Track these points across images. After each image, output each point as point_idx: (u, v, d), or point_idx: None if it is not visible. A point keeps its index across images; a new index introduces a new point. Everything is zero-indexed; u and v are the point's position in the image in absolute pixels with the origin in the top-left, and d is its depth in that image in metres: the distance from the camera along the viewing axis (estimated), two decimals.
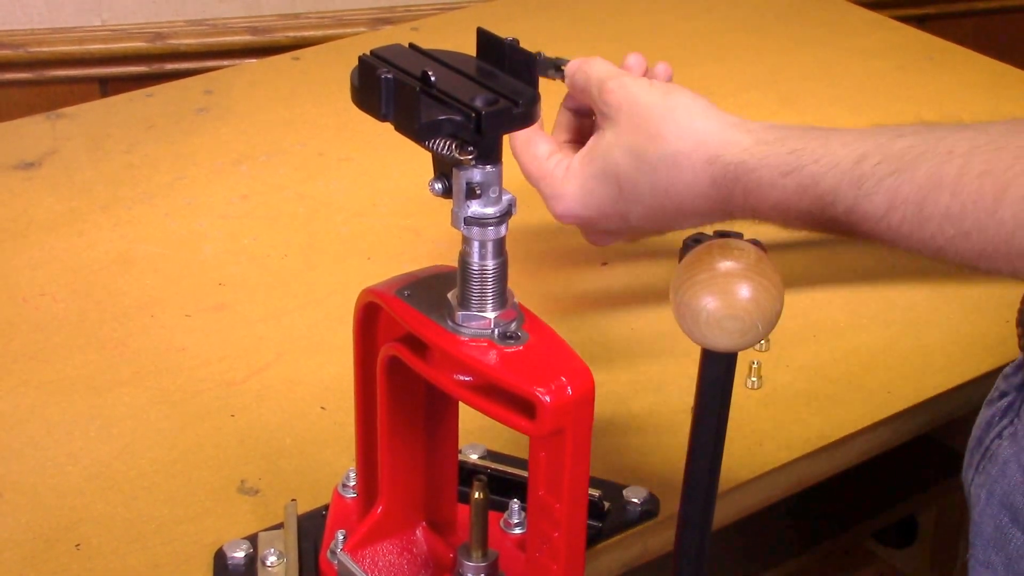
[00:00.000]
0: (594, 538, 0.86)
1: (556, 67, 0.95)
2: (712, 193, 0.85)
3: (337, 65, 1.45)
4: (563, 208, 0.91)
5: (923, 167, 0.75)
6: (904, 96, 1.38)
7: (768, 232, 1.07)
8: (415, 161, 0.81)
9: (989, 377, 0.96)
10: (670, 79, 0.96)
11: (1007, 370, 0.91)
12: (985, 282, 1.10)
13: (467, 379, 0.73)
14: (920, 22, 1.71)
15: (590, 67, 0.91)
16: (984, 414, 0.91)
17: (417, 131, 0.70)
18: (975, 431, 0.90)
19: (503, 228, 0.74)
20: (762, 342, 0.99)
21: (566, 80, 0.94)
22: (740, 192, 0.84)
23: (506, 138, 0.72)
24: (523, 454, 0.75)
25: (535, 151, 0.92)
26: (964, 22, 1.81)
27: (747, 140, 0.84)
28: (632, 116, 0.87)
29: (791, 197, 0.82)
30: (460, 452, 0.86)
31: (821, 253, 1.13)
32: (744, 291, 0.74)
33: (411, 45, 0.76)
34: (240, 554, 0.85)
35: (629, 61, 0.96)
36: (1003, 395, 0.90)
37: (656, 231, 0.92)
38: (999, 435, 0.88)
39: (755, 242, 0.90)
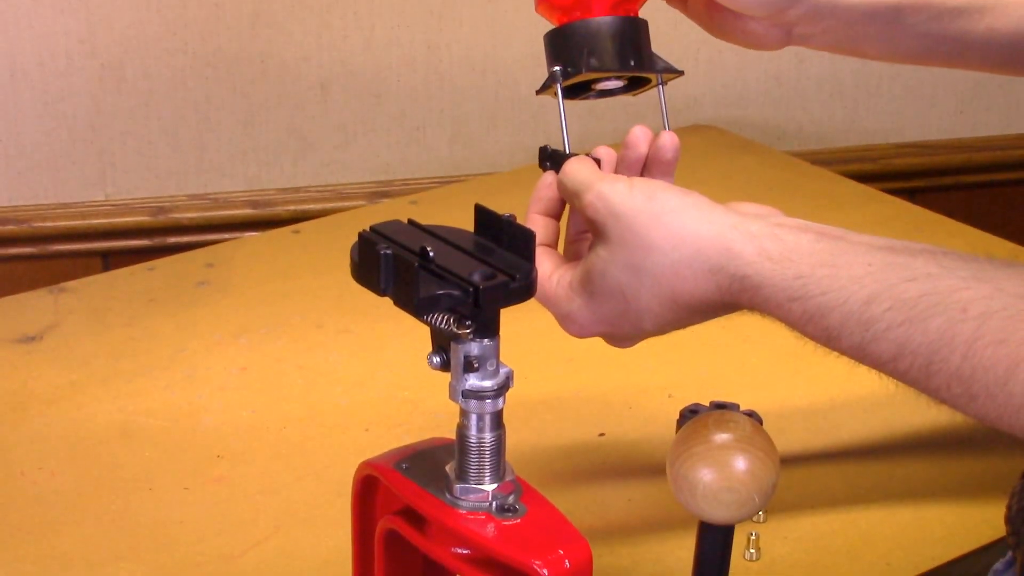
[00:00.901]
0: None
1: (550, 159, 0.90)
2: (718, 298, 0.81)
3: (337, 238, 1.46)
4: (575, 330, 0.87)
5: (935, 321, 0.73)
6: None
7: (763, 404, 1.08)
8: (413, 333, 0.82)
9: (988, 549, 0.95)
10: (676, 150, 0.90)
11: (997, 566, 0.90)
12: (983, 454, 1.10)
13: (465, 552, 0.73)
14: (910, 195, 1.74)
15: (565, 176, 0.87)
16: None
17: (416, 306, 0.71)
18: None
19: (500, 401, 0.74)
20: (759, 513, 0.99)
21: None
22: (746, 302, 0.81)
23: None
24: None
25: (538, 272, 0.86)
26: (953, 195, 1.83)
27: (749, 250, 0.79)
28: (621, 229, 0.82)
29: (797, 321, 0.79)
30: None
31: (817, 423, 1.14)
32: (740, 463, 0.75)
33: (410, 221, 0.78)
34: None
35: (627, 152, 0.90)
36: None
37: (674, 330, 0.88)
38: None
39: (750, 413, 0.91)
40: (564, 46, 0.89)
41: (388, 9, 1.64)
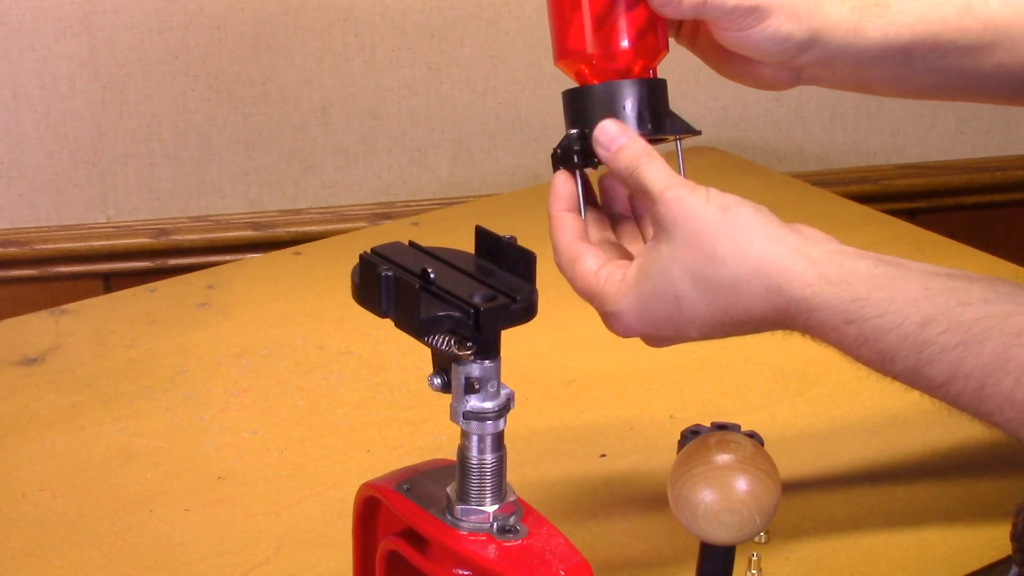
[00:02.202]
0: None
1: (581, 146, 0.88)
2: (772, 317, 0.82)
3: (338, 259, 1.47)
4: (621, 327, 0.86)
5: (990, 345, 0.74)
6: None
7: (764, 425, 1.08)
8: (414, 355, 0.82)
9: (991, 570, 0.95)
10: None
11: None
12: (985, 475, 1.10)
13: (466, 573, 0.73)
14: (911, 216, 1.74)
15: (647, 170, 0.85)
16: None
17: (417, 327, 0.71)
18: None
19: (501, 422, 0.74)
20: (761, 534, 0.99)
21: (609, 162, 0.87)
22: (801, 324, 0.81)
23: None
24: None
25: (583, 269, 0.86)
26: (954, 216, 1.84)
27: (810, 273, 0.80)
28: (689, 233, 0.82)
29: (851, 344, 0.79)
30: None
31: (818, 444, 1.14)
32: (741, 484, 0.75)
33: (411, 243, 0.78)
34: None
35: None
36: None
37: (716, 339, 0.87)
38: None
39: (752, 434, 0.91)
40: (582, 109, 0.89)
41: (389, 31, 1.65)
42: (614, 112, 0.88)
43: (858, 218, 1.57)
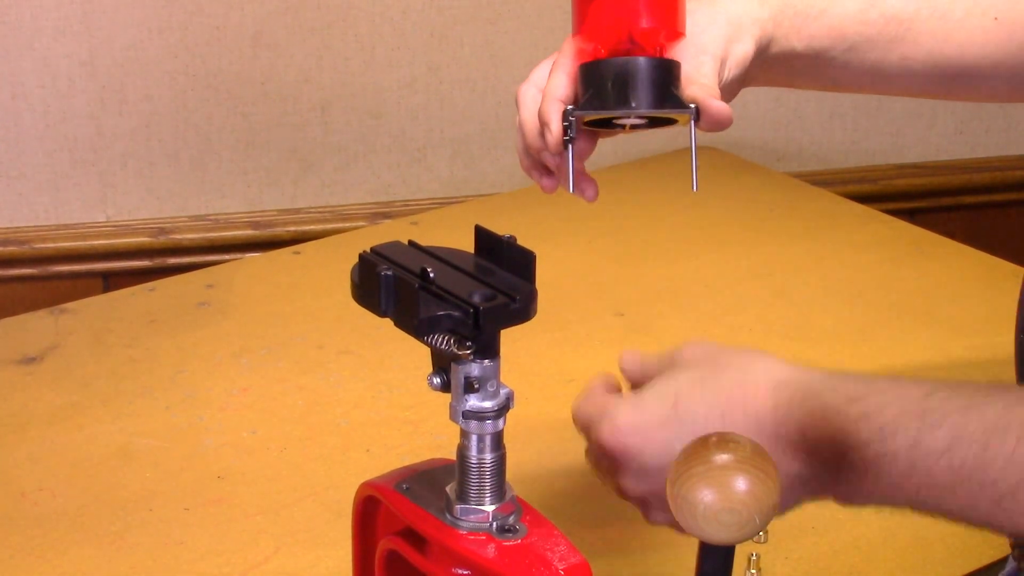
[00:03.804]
0: None
1: None
2: (770, 416, 0.81)
3: (337, 259, 1.47)
4: (607, 429, 0.83)
5: (993, 406, 0.74)
6: (895, 288, 1.40)
7: None
8: (414, 354, 0.82)
9: (989, 569, 0.95)
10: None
11: None
12: None
13: (466, 573, 0.73)
14: (910, 215, 1.74)
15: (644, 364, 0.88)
16: None
17: (416, 327, 0.71)
18: None
19: (501, 422, 0.74)
20: (761, 534, 0.99)
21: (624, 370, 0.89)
22: (796, 418, 0.80)
23: None
24: None
25: (592, 398, 0.86)
26: (954, 216, 1.84)
27: (816, 375, 0.82)
28: (707, 356, 0.84)
29: (852, 423, 0.78)
30: None
31: None
32: (741, 484, 0.74)
33: (410, 242, 0.78)
34: None
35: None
36: None
37: None
38: None
39: None
40: (585, 82, 0.89)
41: (388, 31, 1.65)
42: (600, 89, 0.88)
43: (858, 218, 1.57)
